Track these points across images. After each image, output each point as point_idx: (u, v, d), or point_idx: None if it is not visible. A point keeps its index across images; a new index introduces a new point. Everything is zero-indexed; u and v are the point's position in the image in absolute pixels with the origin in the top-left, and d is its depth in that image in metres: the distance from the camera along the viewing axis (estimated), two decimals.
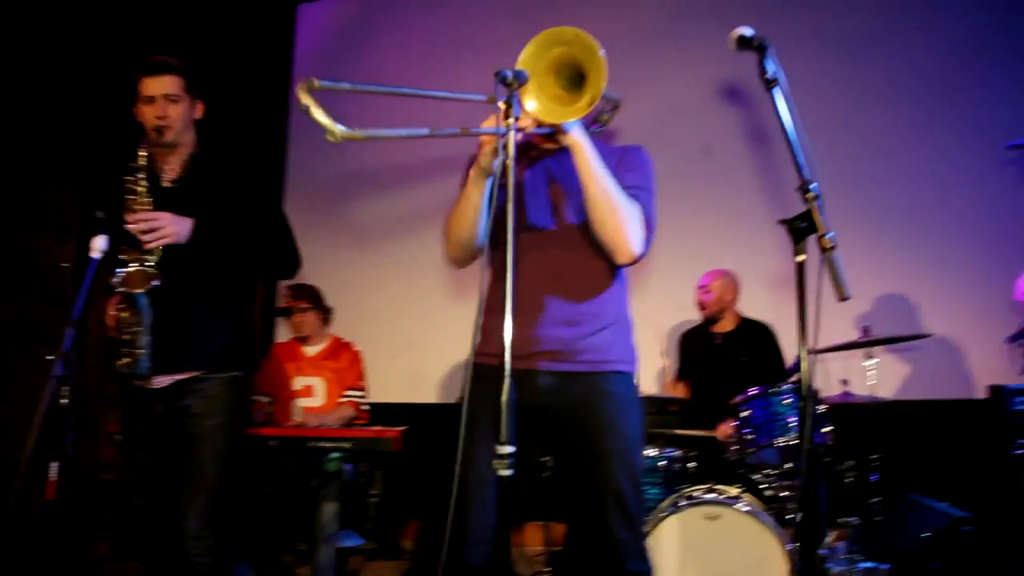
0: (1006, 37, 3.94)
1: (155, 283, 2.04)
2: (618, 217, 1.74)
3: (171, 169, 2.26)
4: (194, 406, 2.14)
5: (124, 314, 2.06)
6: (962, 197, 3.88)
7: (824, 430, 2.89)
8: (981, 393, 3.85)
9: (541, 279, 1.83)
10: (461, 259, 1.91)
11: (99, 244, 1.87)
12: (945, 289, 3.81)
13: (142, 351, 2.03)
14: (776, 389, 2.93)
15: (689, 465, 3.06)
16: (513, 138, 1.43)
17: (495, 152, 1.66)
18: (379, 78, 4.88)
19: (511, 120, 1.41)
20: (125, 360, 2.06)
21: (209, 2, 4.82)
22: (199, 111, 2.30)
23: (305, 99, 1.31)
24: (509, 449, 1.30)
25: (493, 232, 1.56)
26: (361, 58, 5.06)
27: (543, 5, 4.59)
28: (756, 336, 3.56)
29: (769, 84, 1.55)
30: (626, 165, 1.87)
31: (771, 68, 1.56)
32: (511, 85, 1.42)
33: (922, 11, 4.11)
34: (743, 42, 1.67)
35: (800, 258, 1.48)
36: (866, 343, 3.10)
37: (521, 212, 1.85)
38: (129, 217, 2.06)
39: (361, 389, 3.78)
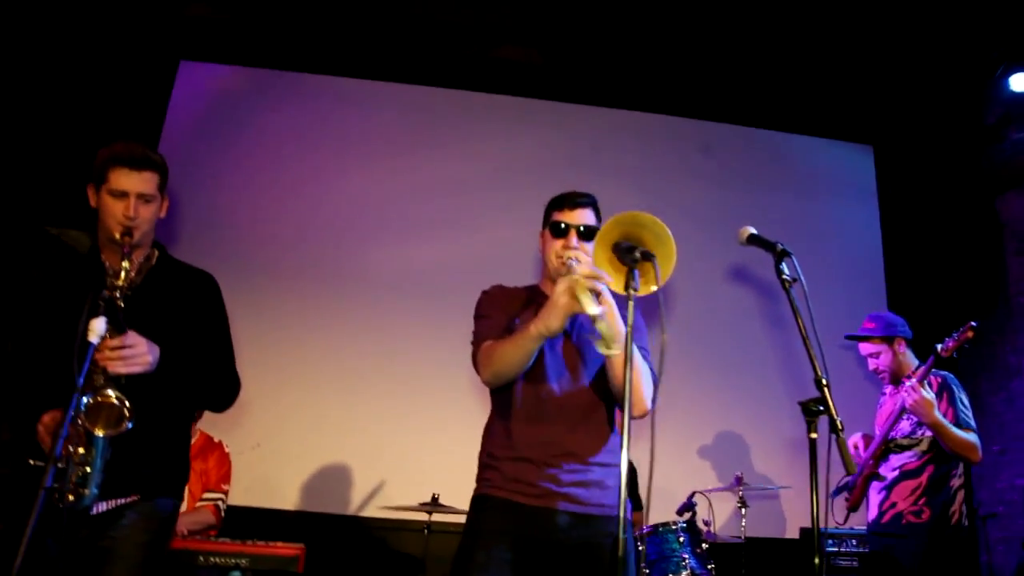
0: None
1: (128, 426, 1.76)
2: (639, 376, 1.93)
3: (112, 275, 1.96)
4: (125, 518, 1.91)
5: (79, 449, 1.75)
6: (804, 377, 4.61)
7: (710, 566, 3.16)
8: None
9: (557, 427, 1.98)
10: (497, 387, 2.04)
11: (98, 328, 1.65)
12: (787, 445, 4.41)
13: (89, 491, 1.76)
14: (668, 526, 3.18)
15: None
16: (632, 307, 1.58)
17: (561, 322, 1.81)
18: (251, 153, 4.87)
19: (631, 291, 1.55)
20: (68, 496, 1.75)
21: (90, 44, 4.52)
22: (164, 210, 2.08)
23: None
24: None
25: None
26: (236, 129, 4.93)
27: (420, 113, 5.00)
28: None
29: (785, 284, 1.85)
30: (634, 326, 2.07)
31: (787, 271, 1.86)
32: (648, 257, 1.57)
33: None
34: (754, 240, 1.98)
35: (813, 435, 1.74)
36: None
37: (541, 360, 1.98)
38: (116, 346, 1.77)
39: (223, 492, 3.51)
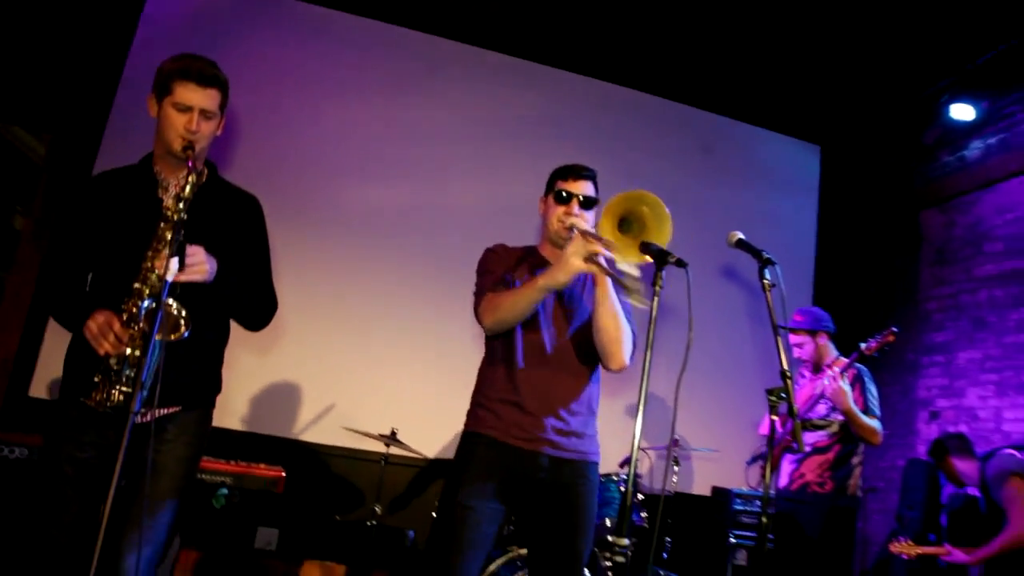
0: None
1: (185, 334, 1.86)
2: (622, 332, 2.22)
3: (174, 185, 2.08)
4: (168, 431, 2.02)
5: (135, 352, 1.85)
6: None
7: (643, 514, 3.57)
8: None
9: (545, 378, 2.24)
10: (496, 333, 2.26)
11: (174, 267, 1.76)
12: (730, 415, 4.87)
13: (137, 394, 1.78)
14: (609, 476, 3.57)
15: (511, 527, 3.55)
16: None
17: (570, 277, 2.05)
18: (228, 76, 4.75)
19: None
20: (116, 397, 1.87)
21: None
22: (221, 128, 2.14)
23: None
24: (625, 541, 1.67)
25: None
26: (211, 52, 4.71)
27: (411, 58, 5.08)
28: None
29: (766, 287, 2.17)
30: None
31: (769, 276, 2.17)
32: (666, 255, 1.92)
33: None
34: (742, 245, 2.28)
35: (774, 418, 2.09)
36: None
37: (534, 316, 2.24)
38: (188, 253, 1.86)
39: None
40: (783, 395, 2.06)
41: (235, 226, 2.18)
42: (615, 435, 4.46)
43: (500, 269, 2.34)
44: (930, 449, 3.97)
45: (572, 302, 2.34)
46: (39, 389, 4.18)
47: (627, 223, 2.11)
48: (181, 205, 1.88)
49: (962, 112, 5.08)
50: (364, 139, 4.96)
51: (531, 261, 2.36)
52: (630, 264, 1.95)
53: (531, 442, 2.19)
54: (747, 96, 5.68)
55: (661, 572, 3.82)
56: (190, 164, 1.94)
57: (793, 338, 3.80)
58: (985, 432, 4.81)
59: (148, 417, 1.91)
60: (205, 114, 2.03)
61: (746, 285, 5.46)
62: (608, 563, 3.40)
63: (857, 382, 3.58)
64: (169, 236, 1.88)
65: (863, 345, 3.43)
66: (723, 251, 5.32)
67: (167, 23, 4.73)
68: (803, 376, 3.85)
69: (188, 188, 1.90)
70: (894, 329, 3.39)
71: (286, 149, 4.81)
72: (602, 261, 2.01)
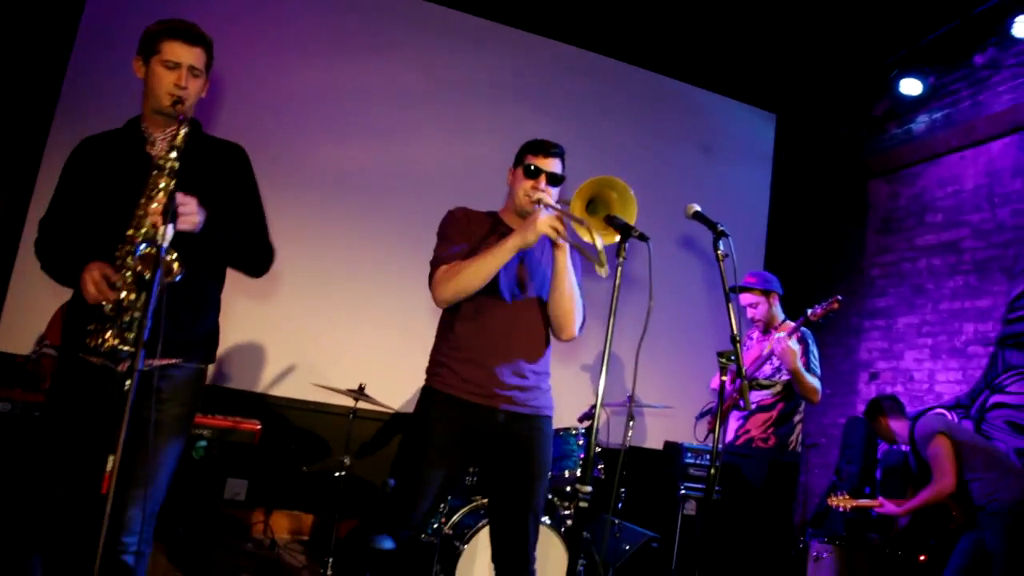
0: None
1: (178, 277, 1.89)
2: (574, 305, 2.37)
3: (161, 140, 2.14)
4: (165, 391, 2.08)
5: (130, 296, 1.93)
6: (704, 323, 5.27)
7: (600, 466, 3.79)
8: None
9: (504, 337, 2.38)
10: (453, 304, 2.37)
11: (169, 234, 1.81)
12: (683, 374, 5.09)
13: (134, 336, 1.89)
14: (568, 431, 3.76)
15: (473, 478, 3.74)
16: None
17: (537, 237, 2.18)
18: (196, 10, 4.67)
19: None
20: (111, 341, 1.93)
21: None
22: (205, 89, 2.21)
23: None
24: (588, 488, 1.84)
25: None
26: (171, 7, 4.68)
27: (381, 18, 5.08)
28: None
29: (719, 258, 2.33)
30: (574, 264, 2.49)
31: (723, 247, 2.34)
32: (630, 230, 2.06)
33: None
34: (699, 217, 2.44)
35: (724, 378, 2.28)
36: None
37: (496, 279, 2.35)
38: (178, 197, 1.89)
39: None
40: (732, 357, 2.24)
41: (223, 176, 2.23)
42: (573, 392, 4.71)
43: (460, 237, 2.42)
44: (866, 409, 4.25)
45: (532, 266, 2.46)
46: (9, 344, 4.19)
47: (594, 204, 2.23)
48: (173, 154, 1.97)
49: (910, 87, 5.30)
50: (335, 99, 4.97)
51: (500, 230, 2.45)
52: (597, 237, 2.07)
53: (489, 398, 2.33)
54: (709, 63, 5.82)
55: (616, 520, 4.07)
56: (180, 117, 2.01)
57: (748, 298, 3.98)
58: (920, 392, 5.15)
59: (151, 364, 1.99)
60: (192, 71, 2.11)
61: (701, 252, 5.68)
62: (567, 511, 3.61)
63: (801, 343, 3.79)
64: (162, 184, 1.95)
65: (809, 311, 3.65)
66: (680, 218, 5.57)
67: None
68: (750, 338, 4.07)
69: (180, 137, 1.98)
70: (839, 298, 3.61)
71: (258, 109, 4.80)
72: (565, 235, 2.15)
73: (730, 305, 2.28)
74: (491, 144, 5.16)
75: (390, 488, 3.73)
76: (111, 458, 1.72)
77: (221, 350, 4.42)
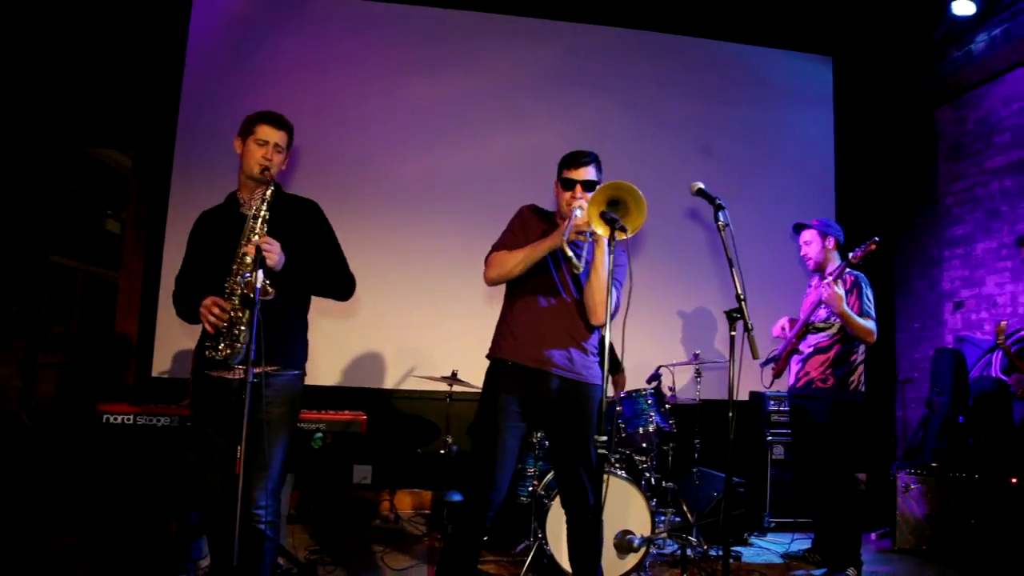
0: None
1: (272, 297, 2.45)
2: (603, 297, 2.71)
3: (252, 200, 2.71)
4: (269, 395, 2.62)
5: (239, 313, 2.53)
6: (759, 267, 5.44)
7: (671, 421, 4.13)
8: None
9: (556, 317, 2.78)
10: (496, 283, 2.82)
11: (260, 278, 2.38)
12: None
13: (242, 345, 2.51)
14: (640, 392, 4.12)
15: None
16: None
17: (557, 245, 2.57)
18: (268, 71, 5.35)
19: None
20: (225, 351, 2.53)
21: None
22: (285, 163, 2.81)
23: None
24: (603, 438, 2.23)
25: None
26: (253, 49, 5.38)
27: (436, 42, 5.52)
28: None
29: (720, 228, 2.63)
30: (618, 261, 2.84)
31: (723, 218, 2.63)
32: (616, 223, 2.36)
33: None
34: (702, 193, 2.74)
35: (732, 333, 2.59)
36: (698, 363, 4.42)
37: (547, 269, 2.77)
38: (262, 237, 2.52)
39: None
40: (737, 315, 2.55)
41: (301, 226, 2.80)
42: (642, 356, 5.02)
43: (520, 230, 2.85)
44: None
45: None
46: (160, 369, 5.02)
47: (615, 203, 2.56)
48: (264, 206, 2.59)
49: (963, 7, 5.20)
50: (406, 114, 5.49)
51: (549, 230, 2.83)
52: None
53: (543, 363, 2.73)
54: (758, 19, 5.90)
55: (695, 469, 4.38)
56: (269, 180, 2.64)
57: (805, 235, 4.11)
58: (1004, 316, 5.10)
59: (256, 371, 2.54)
60: (277, 148, 2.73)
61: (763, 218, 5.80)
62: (644, 466, 3.98)
63: (855, 287, 3.93)
64: (257, 228, 2.56)
65: (850, 255, 3.80)
66: (750, 174, 5.72)
67: (210, 39, 5.33)
68: (810, 285, 4.25)
69: (268, 193, 2.61)
70: (876, 239, 3.73)
71: (331, 131, 5.39)
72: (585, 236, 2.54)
73: (733, 271, 2.58)
74: (551, 134, 5.53)
75: (453, 453, 4.22)
76: (239, 448, 2.30)
77: (333, 355, 5.12)
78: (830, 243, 4.07)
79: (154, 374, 5.06)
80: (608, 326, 2.41)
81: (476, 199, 5.37)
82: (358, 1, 5.52)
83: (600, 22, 5.81)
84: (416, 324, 5.30)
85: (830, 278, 3.86)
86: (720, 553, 4.25)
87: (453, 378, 4.49)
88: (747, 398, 5.47)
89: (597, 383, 2.83)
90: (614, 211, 2.50)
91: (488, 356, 2.89)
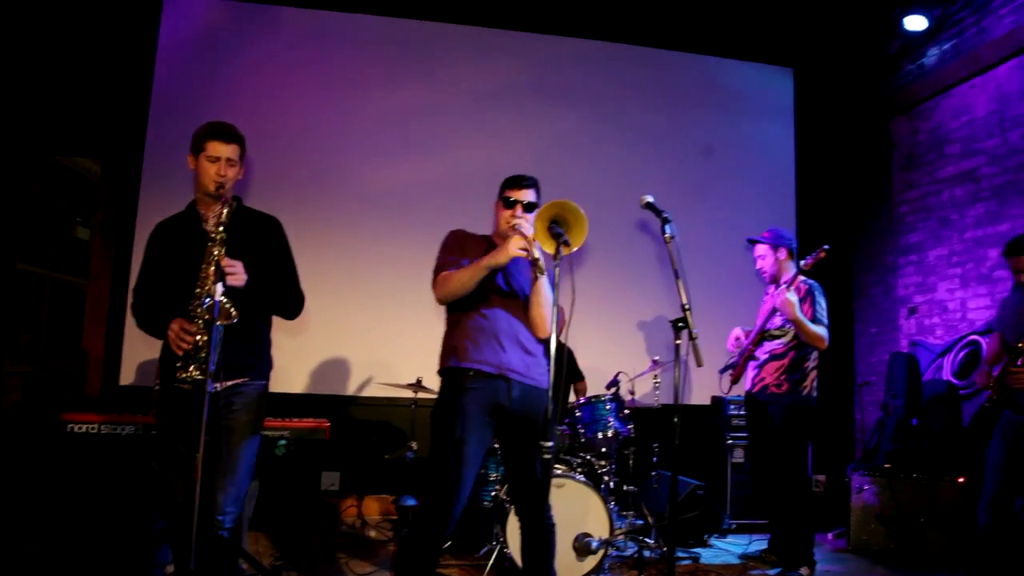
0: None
1: (235, 320, 2.49)
2: (547, 312, 2.80)
3: (212, 217, 2.71)
4: (236, 404, 2.70)
5: (203, 337, 2.54)
6: (720, 276, 5.57)
7: (630, 426, 4.23)
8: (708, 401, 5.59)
9: (509, 324, 2.86)
10: (446, 303, 2.90)
11: (219, 290, 2.43)
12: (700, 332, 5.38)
13: (209, 368, 2.50)
14: (599, 398, 4.22)
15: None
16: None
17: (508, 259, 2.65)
18: (239, 82, 5.42)
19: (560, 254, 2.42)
20: (195, 373, 2.55)
21: None
22: (241, 174, 2.81)
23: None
24: (549, 444, 2.31)
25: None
26: (223, 61, 5.44)
27: (405, 51, 5.61)
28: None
29: (667, 240, 2.74)
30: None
31: (669, 231, 2.74)
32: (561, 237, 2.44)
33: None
34: (650, 207, 2.85)
35: (677, 342, 2.69)
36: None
37: (495, 284, 2.85)
38: (224, 260, 2.52)
39: None
40: (682, 324, 2.65)
41: (261, 243, 2.84)
42: (601, 362, 5.13)
43: (458, 252, 2.92)
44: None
45: (514, 277, 2.93)
46: (127, 379, 5.04)
47: (556, 220, 2.65)
48: (221, 228, 2.60)
49: (915, 23, 5.38)
50: (372, 124, 5.56)
51: (488, 249, 2.89)
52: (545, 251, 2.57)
53: (499, 368, 2.79)
54: (720, 30, 6.06)
55: (654, 473, 4.48)
56: (223, 199, 2.64)
57: (757, 249, 4.25)
58: (954, 322, 5.28)
59: (220, 386, 2.62)
60: (230, 162, 2.71)
61: (728, 226, 5.94)
62: (602, 470, 4.07)
63: (808, 296, 4.06)
64: (216, 252, 2.57)
65: (802, 262, 3.93)
66: (713, 183, 5.84)
67: (180, 49, 5.37)
68: (767, 293, 4.37)
69: (224, 215, 2.61)
70: (826, 247, 3.85)
71: (298, 142, 5.45)
72: (536, 253, 2.62)
73: (679, 282, 2.68)
74: (514, 144, 5.64)
75: (408, 458, 4.29)
76: (198, 456, 2.38)
77: (304, 364, 5.17)
78: (782, 254, 4.20)
79: (122, 383, 5.08)
80: (555, 338, 2.48)
81: (441, 209, 5.42)
82: (326, 12, 5.58)
83: (563, 33, 5.92)
84: (382, 332, 5.36)
85: (784, 286, 3.99)
86: (677, 554, 4.37)
87: (418, 385, 4.55)
88: (708, 402, 5.60)
89: (544, 387, 2.91)
90: (556, 236, 2.58)
91: (443, 368, 2.92)
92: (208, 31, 5.47)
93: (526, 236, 2.63)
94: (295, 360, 5.22)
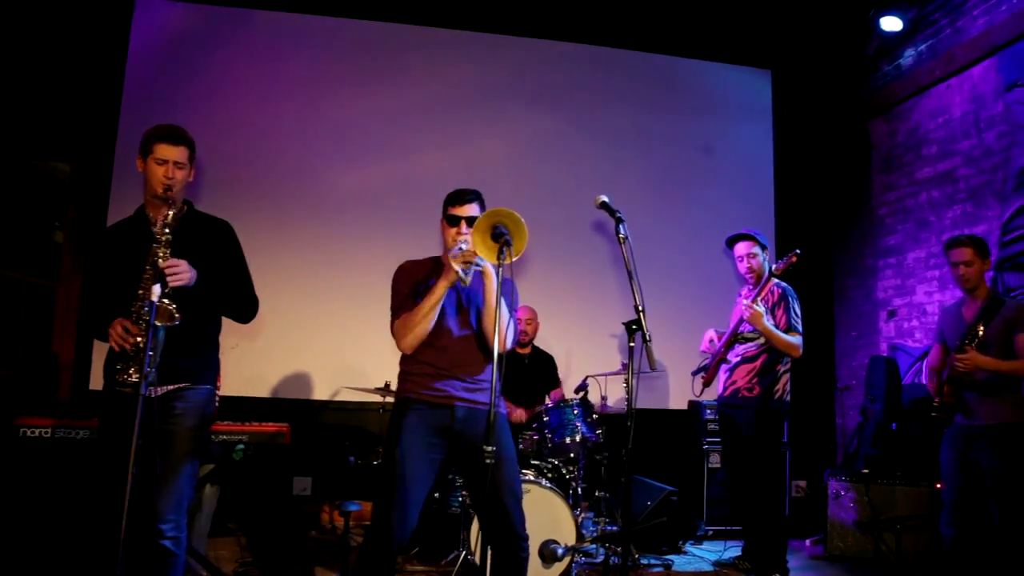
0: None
1: (177, 321, 2.44)
2: (503, 324, 2.73)
3: (161, 219, 2.63)
4: (177, 408, 2.64)
5: (142, 340, 2.46)
6: (696, 278, 5.52)
7: (598, 431, 4.16)
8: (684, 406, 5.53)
9: (455, 354, 2.78)
10: (415, 349, 2.76)
11: (156, 291, 2.37)
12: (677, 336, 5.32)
13: (151, 370, 2.43)
14: (566, 402, 4.15)
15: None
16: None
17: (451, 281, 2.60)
18: (210, 86, 5.38)
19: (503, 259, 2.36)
20: (135, 376, 2.49)
21: None
22: (191, 176, 2.76)
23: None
24: (491, 448, 2.25)
25: None
26: (195, 64, 5.40)
27: (367, 54, 5.58)
28: (546, 359, 4.82)
29: (620, 240, 2.68)
30: (507, 290, 2.85)
31: (623, 231, 2.68)
32: (502, 240, 2.38)
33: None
34: (604, 207, 2.79)
35: (631, 344, 2.63)
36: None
37: (443, 311, 2.76)
38: (163, 261, 2.47)
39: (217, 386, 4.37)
40: (635, 326, 2.59)
41: (212, 246, 2.79)
42: (568, 368, 5.09)
43: (408, 287, 2.83)
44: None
45: (471, 295, 2.85)
46: (97, 383, 4.96)
47: (496, 230, 2.57)
48: (167, 230, 2.55)
49: (891, 23, 5.34)
50: (343, 127, 5.51)
51: (439, 271, 2.80)
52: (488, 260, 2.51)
53: (448, 398, 2.73)
54: (698, 32, 6.02)
55: (622, 479, 4.41)
56: (170, 202, 2.60)
57: (747, 247, 4.05)
58: (932, 325, 5.22)
59: (159, 391, 2.57)
60: (178, 165, 2.66)
61: (700, 229, 5.89)
62: (569, 475, 4.01)
63: (782, 301, 3.98)
64: (160, 253, 2.52)
65: (773, 267, 3.87)
66: (691, 185, 5.81)
67: (150, 52, 5.33)
68: (740, 295, 4.31)
69: (170, 216, 2.57)
70: (797, 251, 3.77)
71: (267, 146, 5.41)
72: (481, 263, 2.57)
73: (632, 282, 2.62)
74: (488, 146, 5.59)
75: (351, 464, 4.20)
76: (130, 462, 2.30)
77: (271, 369, 5.11)
78: (767, 253, 4.10)
79: (92, 387, 5.01)
80: (497, 349, 2.40)
81: (410, 212, 5.38)
82: (296, 15, 5.56)
83: (538, 35, 5.88)
84: (349, 336, 5.30)
85: (748, 301, 3.90)
86: (650, 561, 4.31)
87: (386, 389, 4.49)
88: (685, 407, 5.54)
89: (499, 410, 2.82)
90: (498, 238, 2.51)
91: (396, 396, 2.86)
92: (178, 35, 5.44)
93: (464, 252, 2.57)
94: (263, 364, 5.16)
